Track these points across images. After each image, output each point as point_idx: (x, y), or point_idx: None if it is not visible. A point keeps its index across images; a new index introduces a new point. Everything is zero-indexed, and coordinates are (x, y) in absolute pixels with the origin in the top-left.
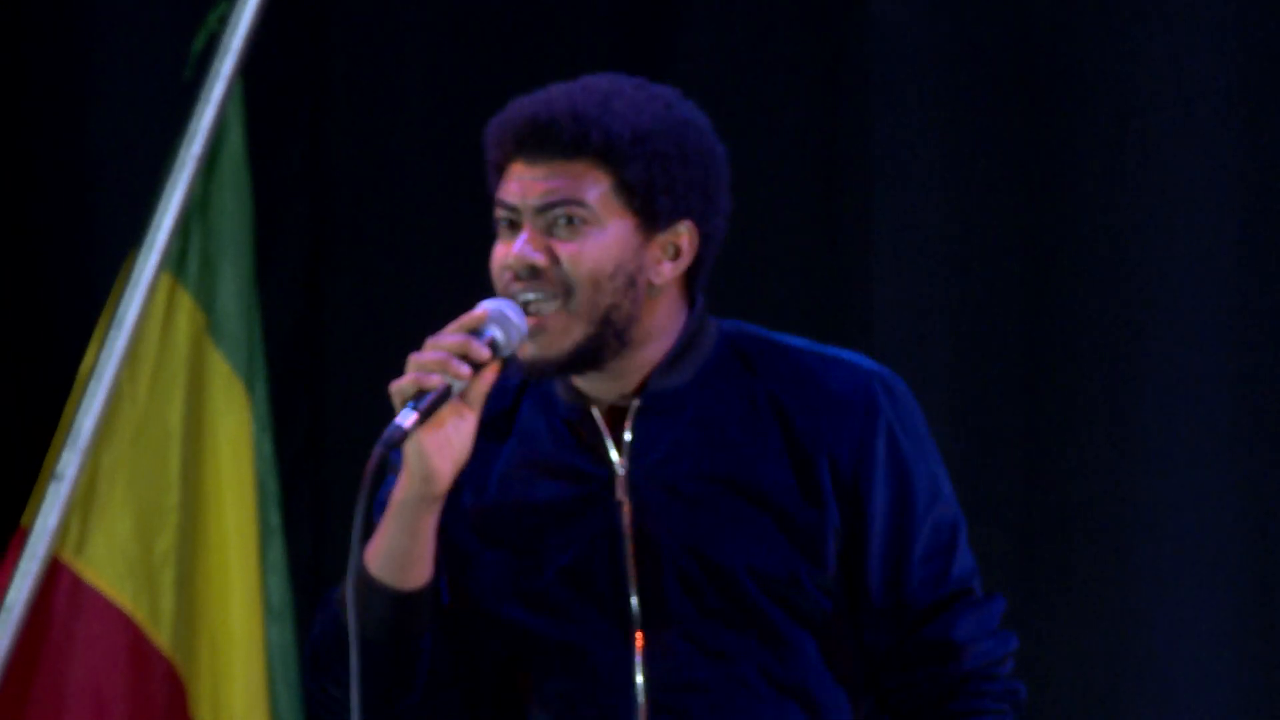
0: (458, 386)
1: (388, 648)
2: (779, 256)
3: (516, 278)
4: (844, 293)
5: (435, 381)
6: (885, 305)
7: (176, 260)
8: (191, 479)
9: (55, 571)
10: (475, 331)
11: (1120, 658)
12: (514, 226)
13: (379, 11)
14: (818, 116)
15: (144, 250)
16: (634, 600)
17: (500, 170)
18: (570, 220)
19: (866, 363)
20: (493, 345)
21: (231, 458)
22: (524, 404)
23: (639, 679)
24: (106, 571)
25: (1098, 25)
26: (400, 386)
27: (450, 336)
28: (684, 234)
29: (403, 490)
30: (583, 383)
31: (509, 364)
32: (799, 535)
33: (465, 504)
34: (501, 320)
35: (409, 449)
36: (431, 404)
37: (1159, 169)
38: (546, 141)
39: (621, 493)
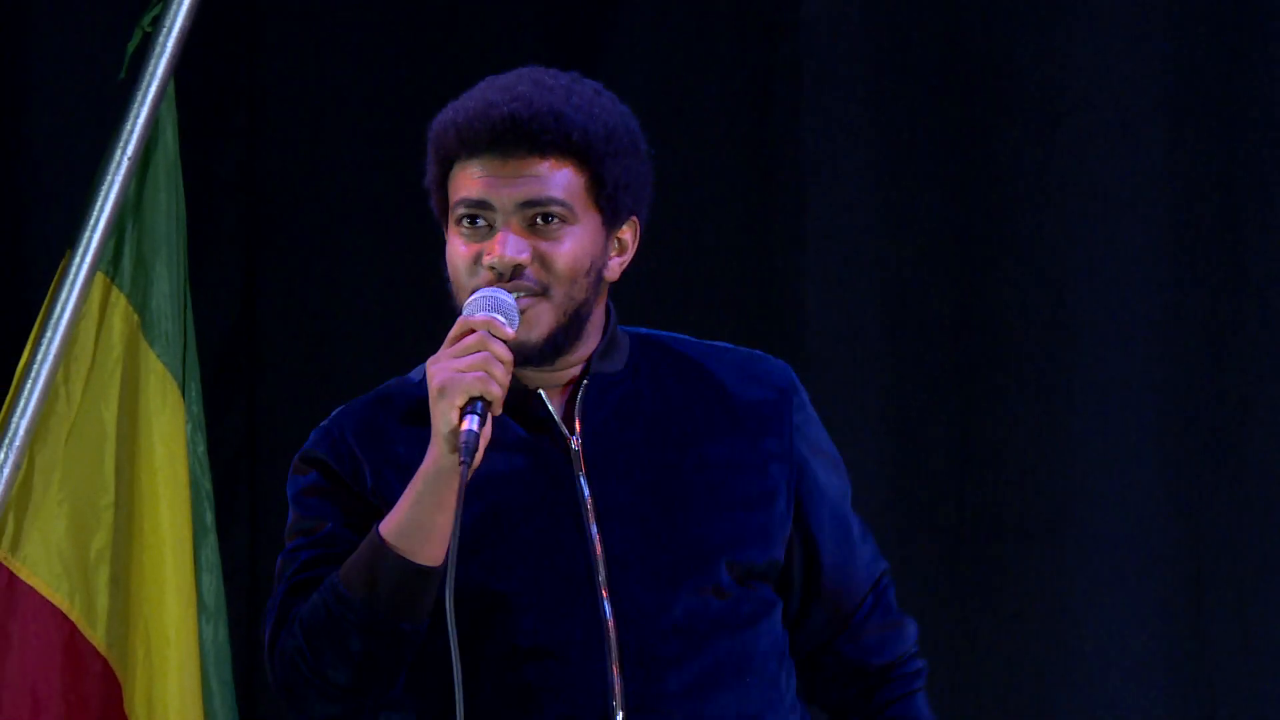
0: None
1: (390, 628)
2: (712, 257)
3: (500, 277)
4: (777, 293)
5: (495, 391)
6: (818, 306)
7: (111, 260)
8: (126, 478)
9: None
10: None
11: (1051, 658)
12: (482, 224)
13: (313, 12)
14: (750, 116)
15: (78, 251)
16: (600, 569)
17: (447, 166)
18: (550, 218)
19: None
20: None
21: (166, 457)
22: None
23: (613, 646)
24: (42, 570)
25: (1029, 27)
26: (467, 386)
27: (498, 345)
28: (629, 230)
29: (435, 462)
30: (525, 373)
31: None
32: (749, 506)
33: None
34: (509, 314)
35: (441, 423)
36: (485, 409)
37: (1089, 170)
38: (524, 139)
39: (579, 466)
